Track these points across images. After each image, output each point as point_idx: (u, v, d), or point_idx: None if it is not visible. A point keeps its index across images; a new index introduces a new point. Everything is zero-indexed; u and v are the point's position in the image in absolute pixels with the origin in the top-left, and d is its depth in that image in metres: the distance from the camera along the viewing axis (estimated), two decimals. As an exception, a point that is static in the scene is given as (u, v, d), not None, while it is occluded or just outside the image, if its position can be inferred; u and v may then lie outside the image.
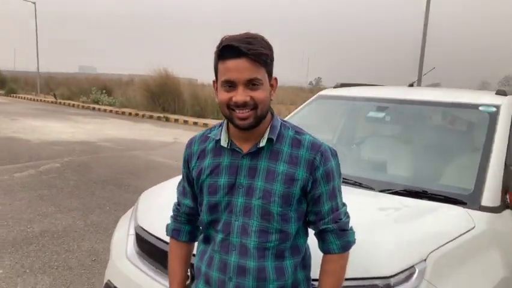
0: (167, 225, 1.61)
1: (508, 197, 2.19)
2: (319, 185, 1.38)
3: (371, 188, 2.25)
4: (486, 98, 2.63)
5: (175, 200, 1.61)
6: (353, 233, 1.45)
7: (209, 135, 1.48)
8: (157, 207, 2.12)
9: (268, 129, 1.39)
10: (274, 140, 1.38)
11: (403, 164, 2.58)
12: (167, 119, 18.05)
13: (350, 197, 2.17)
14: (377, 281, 1.56)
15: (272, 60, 1.35)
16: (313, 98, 3.36)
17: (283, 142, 1.40)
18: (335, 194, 1.42)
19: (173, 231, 1.60)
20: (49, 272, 3.85)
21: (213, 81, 1.40)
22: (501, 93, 2.67)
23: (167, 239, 1.79)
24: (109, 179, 7.17)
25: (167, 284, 1.83)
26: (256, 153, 1.39)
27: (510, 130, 2.42)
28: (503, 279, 1.90)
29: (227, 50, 1.29)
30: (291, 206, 1.36)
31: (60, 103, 25.39)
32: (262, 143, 1.37)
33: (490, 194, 2.11)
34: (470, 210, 2.01)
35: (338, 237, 1.41)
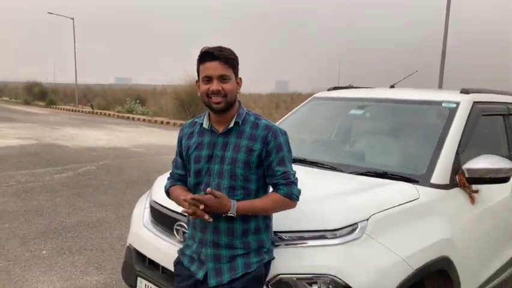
0: (164, 187, 2.16)
1: (457, 177, 2.61)
2: (271, 154, 1.89)
3: (342, 171, 2.73)
4: (450, 96, 3.05)
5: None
6: (298, 190, 1.93)
7: (196, 120, 2.06)
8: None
9: (236, 115, 1.93)
10: (240, 123, 1.93)
11: (374, 152, 3.04)
12: (196, 127, 18.74)
13: (323, 176, 2.69)
14: (327, 232, 2.03)
15: (237, 64, 1.92)
16: (309, 99, 3.85)
17: (246, 125, 1.93)
18: (284, 161, 1.91)
19: (170, 184, 2.13)
20: (84, 253, 4.46)
21: (196, 81, 1.96)
22: (464, 92, 3.09)
23: (172, 206, 2.32)
24: (139, 180, 7.81)
25: (173, 241, 2.36)
26: (227, 132, 1.93)
27: (466, 123, 2.84)
28: (443, 239, 2.33)
29: (206, 55, 1.87)
30: (251, 170, 1.89)
31: (97, 113, 26.61)
32: (231, 125, 1.92)
33: (439, 174, 2.54)
34: (418, 186, 2.44)
35: (285, 186, 1.89)
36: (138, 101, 26.42)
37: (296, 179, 1.94)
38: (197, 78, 1.96)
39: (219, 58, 1.85)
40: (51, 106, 31.81)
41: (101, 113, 26.27)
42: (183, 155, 2.05)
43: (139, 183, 7.54)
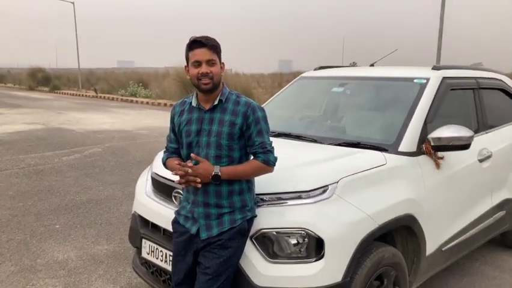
0: (162, 160, 2.51)
1: (424, 145, 2.93)
2: (250, 127, 2.22)
3: (321, 142, 3.05)
4: (422, 73, 3.34)
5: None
6: (274, 157, 2.26)
7: (185, 100, 2.39)
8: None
9: (220, 94, 2.25)
10: (224, 100, 2.25)
11: (352, 125, 3.35)
12: (199, 108, 19.04)
13: (303, 147, 3.02)
14: (302, 193, 2.35)
15: (220, 51, 2.24)
16: (296, 79, 4.15)
17: (229, 102, 2.26)
18: (262, 133, 2.24)
19: (166, 156, 2.48)
20: (95, 226, 4.84)
21: (185, 67, 2.28)
22: (435, 68, 3.38)
23: (170, 176, 2.66)
24: (144, 160, 8.16)
25: (172, 207, 2.70)
26: (213, 109, 2.26)
27: (434, 97, 3.13)
28: (407, 199, 2.66)
29: (195, 43, 2.20)
30: (234, 141, 2.22)
31: (100, 97, 26.92)
32: (216, 102, 2.25)
33: (406, 143, 2.85)
34: (386, 154, 2.76)
35: (263, 154, 2.23)
36: (141, 84, 26.66)
37: (272, 148, 2.27)
38: (186, 64, 2.27)
39: (206, 45, 2.17)
40: (55, 91, 32.11)
41: (104, 97, 26.57)
42: (175, 131, 2.39)
43: (143, 163, 7.88)
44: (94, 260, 4.00)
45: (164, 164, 2.50)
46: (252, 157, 2.30)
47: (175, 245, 2.37)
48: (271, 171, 2.28)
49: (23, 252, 4.16)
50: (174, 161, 2.33)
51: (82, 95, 28.82)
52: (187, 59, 2.24)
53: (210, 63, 2.18)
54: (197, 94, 2.31)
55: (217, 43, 2.23)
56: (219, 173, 2.16)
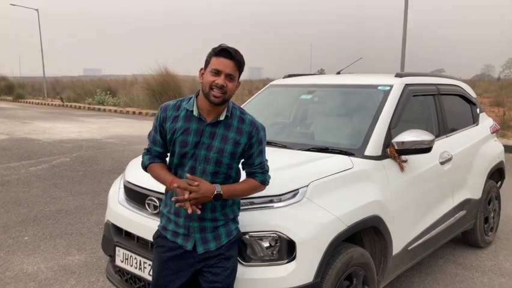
0: (142, 162, 2.36)
1: (388, 149, 3.06)
2: (253, 146, 2.20)
3: (291, 148, 3.15)
4: (385, 80, 3.49)
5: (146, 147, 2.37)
6: (269, 176, 2.29)
7: (182, 104, 2.22)
8: (137, 167, 2.96)
9: (226, 109, 2.19)
10: (229, 116, 2.19)
11: (320, 131, 3.48)
12: (168, 116, 18.90)
13: (274, 153, 3.11)
14: (273, 197, 2.44)
15: (243, 70, 2.18)
16: (266, 87, 4.26)
17: (233, 118, 2.19)
18: (262, 153, 2.25)
19: (149, 160, 2.30)
20: (65, 237, 4.78)
21: (201, 69, 2.17)
22: (398, 75, 3.55)
23: (144, 185, 2.70)
24: (113, 169, 8.09)
25: (145, 214, 2.73)
26: (215, 123, 2.16)
27: (397, 103, 3.28)
28: (374, 201, 2.78)
29: (224, 52, 2.09)
30: (235, 160, 2.20)
31: (67, 106, 26.39)
32: (222, 117, 2.16)
33: (372, 147, 2.99)
34: (352, 158, 2.88)
35: (261, 174, 2.24)
36: (109, 92, 26.31)
37: (268, 167, 2.28)
38: (203, 67, 2.16)
39: (234, 59, 2.08)
40: (19, 100, 31.30)
41: (71, 106, 26.07)
42: (165, 136, 2.23)
43: (113, 172, 7.82)
44: (66, 271, 3.96)
45: (145, 168, 2.34)
46: (244, 172, 2.29)
47: (161, 259, 2.27)
48: (263, 189, 2.31)
49: (-9, 265, 4.08)
50: (163, 170, 2.23)
51: (48, 103, 28.18)
52: (208, 62, 2.13)
53: (229, 77, 2.09)
54: (197, 101, 2.19)
55: (244, 60, 2.15)
56: (221, 192, 2.11)
